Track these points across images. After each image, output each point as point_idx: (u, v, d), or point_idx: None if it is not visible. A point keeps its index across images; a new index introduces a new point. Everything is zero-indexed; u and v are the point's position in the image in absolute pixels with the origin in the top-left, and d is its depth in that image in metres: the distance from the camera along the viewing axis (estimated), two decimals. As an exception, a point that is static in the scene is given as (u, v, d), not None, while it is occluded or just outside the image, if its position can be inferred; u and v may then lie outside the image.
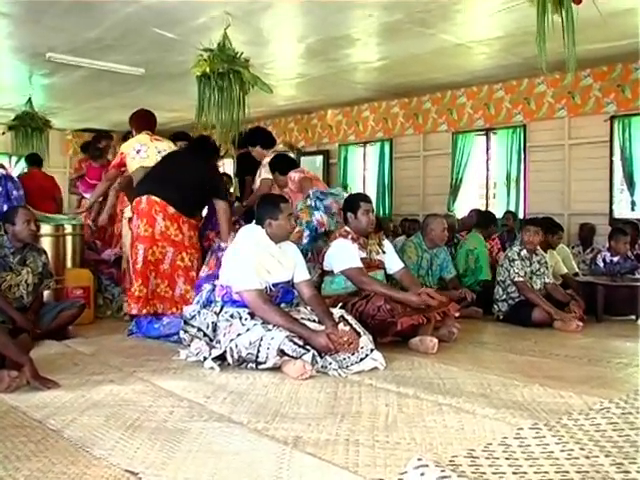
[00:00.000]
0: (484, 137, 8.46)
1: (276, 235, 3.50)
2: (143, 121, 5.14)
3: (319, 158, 10.43)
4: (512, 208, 7.83)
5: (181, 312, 4.02)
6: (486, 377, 3.11)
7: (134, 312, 4.21)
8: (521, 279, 4.91)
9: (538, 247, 5.10)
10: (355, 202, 4.18)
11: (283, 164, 5.37)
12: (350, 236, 4.12)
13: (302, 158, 10.57)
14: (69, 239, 5.02)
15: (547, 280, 5.07)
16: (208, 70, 4.82)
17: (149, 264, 4.24)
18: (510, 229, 6.88)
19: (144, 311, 4.20)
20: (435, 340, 3.72)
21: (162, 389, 2.86)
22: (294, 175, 5.15)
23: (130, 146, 4.93)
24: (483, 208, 8.44)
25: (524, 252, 5.01)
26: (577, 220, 7.20)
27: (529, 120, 7.81)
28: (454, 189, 8.54)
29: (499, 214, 7.16)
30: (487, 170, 8.49)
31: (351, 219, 4.17)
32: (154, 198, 4.27)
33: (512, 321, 4.90)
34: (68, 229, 5.03)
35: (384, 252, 4.23)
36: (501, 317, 5.06)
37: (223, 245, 4.21)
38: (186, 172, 4.37)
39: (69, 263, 4.98)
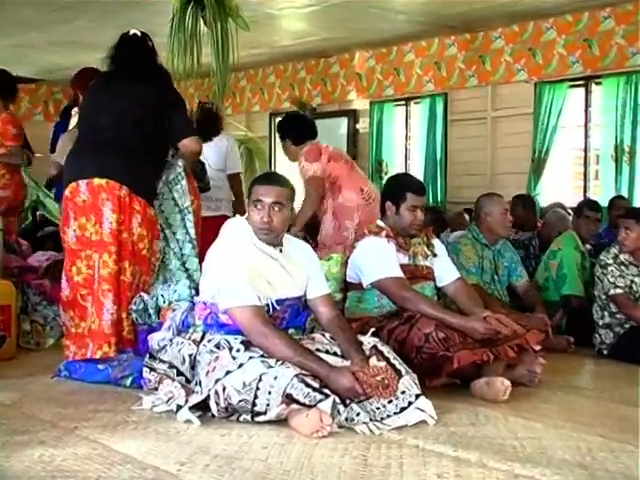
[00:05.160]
0: (582, 89, 8.44)
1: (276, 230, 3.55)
2: None
3: (342, 122, 10.46)
4: (623, 193, 7.79)
5: (118, 349, 4.07)
6: (585, 438, 3.11)
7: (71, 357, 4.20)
8: (619, 291, 4.91)
9: None
10: (400, 190, 4.18)
11: (299, 129, 5.37)
12: (384, 233, 4.13)
13: (317, 122, 10.57)
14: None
15: None
16: None
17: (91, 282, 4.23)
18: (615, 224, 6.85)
19: (73, 355, 4.18)
20: (507, 383, 3.73)
21: (116, 453, 2.87)
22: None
23: None
24: (579, 191, 8.42)
25: (625, 256, 5.00)
26: None
27: (653, 63, 7.77)
28: (537, 165, 8.52)
29: (603, 201, 7.12)
30: (586, 137, 8.46)
31: (390, 211, 4.19)
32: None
33: (622, 357, 4.88)
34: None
35: (435, 255, 4.25)
36: (605, 351, 5.05)
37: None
38: (125, 104, 4.28)
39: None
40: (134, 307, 4.16)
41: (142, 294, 4.21)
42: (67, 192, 4.31)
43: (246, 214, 3.61)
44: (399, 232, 4.16)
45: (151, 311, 4.16)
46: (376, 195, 5.31)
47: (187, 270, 4.43)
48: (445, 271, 4.30)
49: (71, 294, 4.27)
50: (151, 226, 4.32)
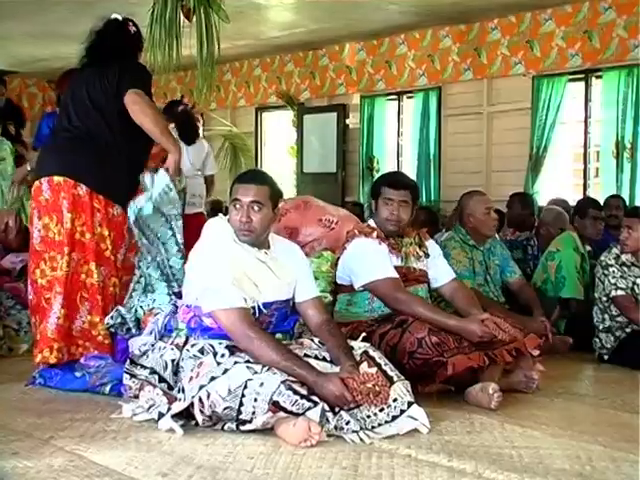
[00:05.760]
0: (582, 83, 8.46)
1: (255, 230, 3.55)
2: None
3: (331, 117, 10.47)
4: (625, 191, 7.81)
5: (90, 351, 4.08)
6: (585, 447, 3.12)
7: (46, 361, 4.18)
8: (621, 292, 4.94)
9: None
10: (377, 185, 4.31)
11: None
12: (375, 234, 4.16)
13: (305, 117, 10.62)
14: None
15: None
16: None
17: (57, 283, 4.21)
18: (617, 224, 6.86)
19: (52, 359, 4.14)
20: (493, 387, 3.70)
21: (94, 464, 2.86)
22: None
23: None
24: (579, 189, 8.44)
25: (627, 256, 5.02)
26: None
27: (655, 56, 7.80)
28: (535, 162, 8.55)
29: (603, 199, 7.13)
30: (586, 133, 8.49)
31: (374, 209, 4.29)
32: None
33: (623, 362, 4.89)
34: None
35: (427, 256, 4.26)
36: (605, 356, 5.07)
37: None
38: (93, 99, 4.26)
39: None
40: (111, 321, 4.14)
41: (119, 307, 4.18)
42: (32, 191, 4.31)
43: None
44: (384, 231, 4.18)
45: (130, 324, 4.13)
46: (342, 216, 5.28)
47: (166, 275, 4.39)
48: (440, 272, 4.32)
49: (35, 298, 4.25)
50: (114, 226, 4.27)
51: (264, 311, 3.49)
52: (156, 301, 4.23)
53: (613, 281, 4.95)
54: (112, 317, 4.13)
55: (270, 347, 3.27)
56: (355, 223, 4.81)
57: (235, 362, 3.24)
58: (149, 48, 5.36)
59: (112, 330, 4.17)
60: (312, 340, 3.56)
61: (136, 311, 4.18)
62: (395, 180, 4.33)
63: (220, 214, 3.72)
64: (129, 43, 4.48)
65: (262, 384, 3.11)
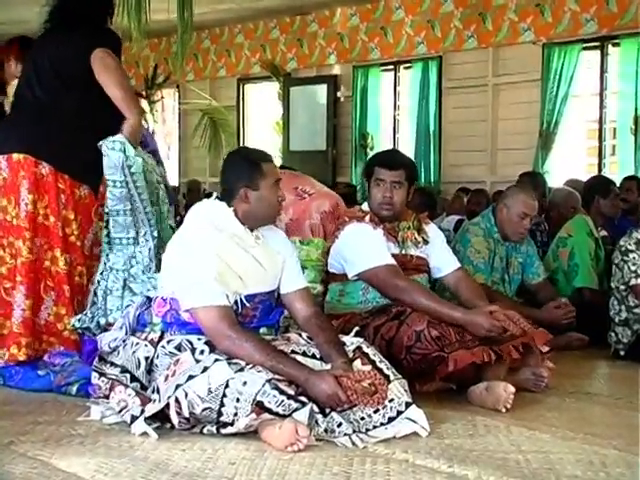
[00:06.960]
0: (598, 51, 8.46)
1: (255, 217, 3.54)
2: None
3: (321, 89, 10.47)
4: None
5: (30, 352, 4.04)
6: (598, 451, 3.13)
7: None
8: None
9: None
10: (369, 165, 4.36)
11: None
12: (368, 217, 4.17)
13: (292, 89, 10.61)
14: None
15: None
16: None
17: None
18: (632, 206, 6.89)
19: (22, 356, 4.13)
20: (511, 389, 3.74)
21: (60, 471, 2.86)
22: None
23: None
24: (594, 169, 8.46)
25: None
26: None
27: (676, 23, 7.82)
28: (546, 139, 8.55)
29: (620, 180, 7.17)
30: (601, 107, 8.50)
31: (366, 191, 4.33)
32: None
33: (641, 358, 4.94)
34: None
35: (426, 242, 4.28)
36: (622, 352, 5.10)
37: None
38: (51, 65, 4.23)
39: None
40: (77, 324, 4.12)
41: (83, 315, 4.17)
42: None
43: (242, 196, 3.52)
44: (378, 215, 4.19)
45: (96, 332, 4.11)
46: (320, 191, 5.30)
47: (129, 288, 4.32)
48: (443, 261, 4.32)
49: None
50: (81, 208, 4.25)
51: (247, 305, 3.49)
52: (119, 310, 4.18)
53: (633, 268, 4.95)
54: (79, 320, 4.12)
55: (253, 347, 3.26)
56: (333, 201, 4.83)
57: (216, 359, 3.23)
58: (119, 12, 5.34)
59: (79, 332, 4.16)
60: (300, 335, 3.56)
61: (98, 321, 4.14)
62: (388, 159, 4.35)
63: (210, 198, 3.66)
64: (95, 6, 4.41)
65: (245, 383, 3.11)
